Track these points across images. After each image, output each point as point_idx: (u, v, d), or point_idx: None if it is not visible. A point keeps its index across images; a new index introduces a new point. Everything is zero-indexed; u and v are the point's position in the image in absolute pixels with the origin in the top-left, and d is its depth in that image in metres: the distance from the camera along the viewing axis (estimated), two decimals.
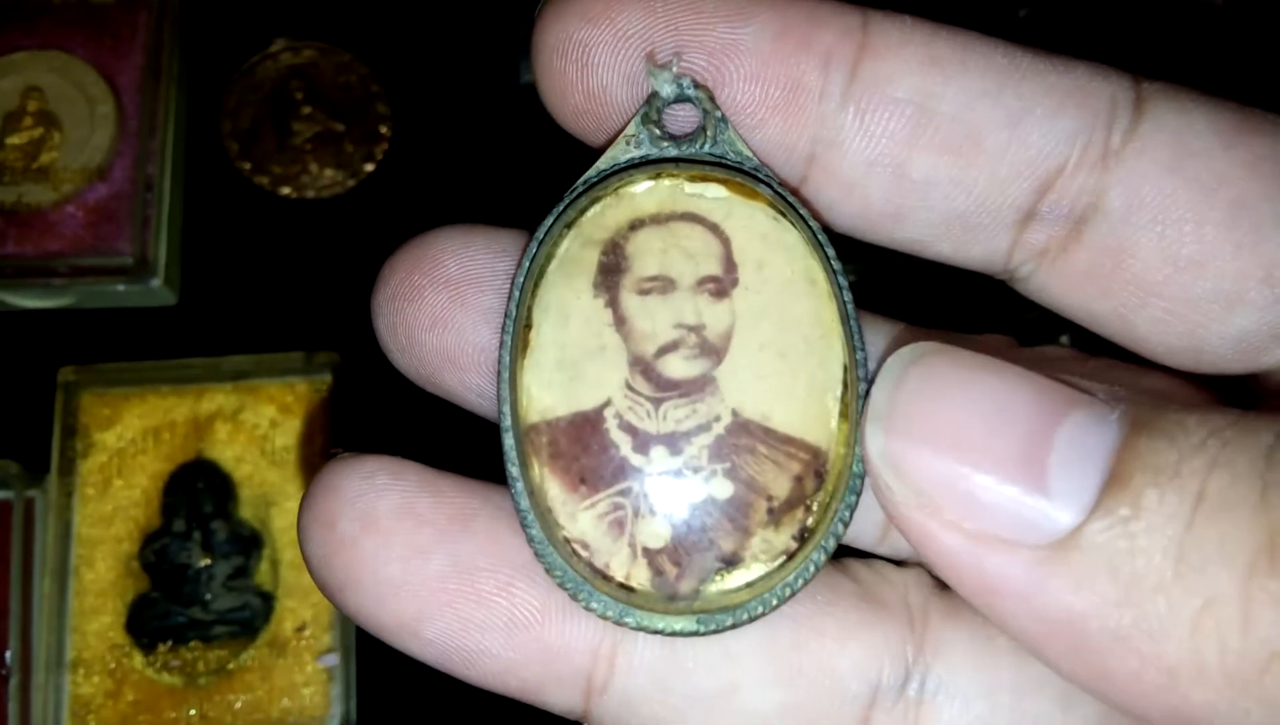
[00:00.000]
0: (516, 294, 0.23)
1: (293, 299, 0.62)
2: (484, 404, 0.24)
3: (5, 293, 0.59)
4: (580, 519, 0.22)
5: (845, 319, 0.23)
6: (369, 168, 0.65)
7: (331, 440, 0.57)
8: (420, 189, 0.65)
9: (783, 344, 0.22)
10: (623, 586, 0.22)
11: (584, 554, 0.22)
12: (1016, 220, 0.23)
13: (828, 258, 0.23)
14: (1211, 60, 0.60)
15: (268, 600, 0.54)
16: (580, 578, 0.22)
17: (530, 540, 0.23)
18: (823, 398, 0.22)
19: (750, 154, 0.23)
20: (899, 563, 0.25)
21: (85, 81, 0.62)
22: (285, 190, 0.64)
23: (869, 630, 0.23)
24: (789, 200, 0.23)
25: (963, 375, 0.20)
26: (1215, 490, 0.17)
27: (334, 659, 0.53)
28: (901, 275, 0.63)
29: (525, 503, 0.23)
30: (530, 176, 0.65)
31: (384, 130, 0.65)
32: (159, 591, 0.54)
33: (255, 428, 0.56)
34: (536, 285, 0.23)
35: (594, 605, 0.22)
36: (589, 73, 0.23)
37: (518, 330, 0.23)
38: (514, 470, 0.23)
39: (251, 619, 0.54)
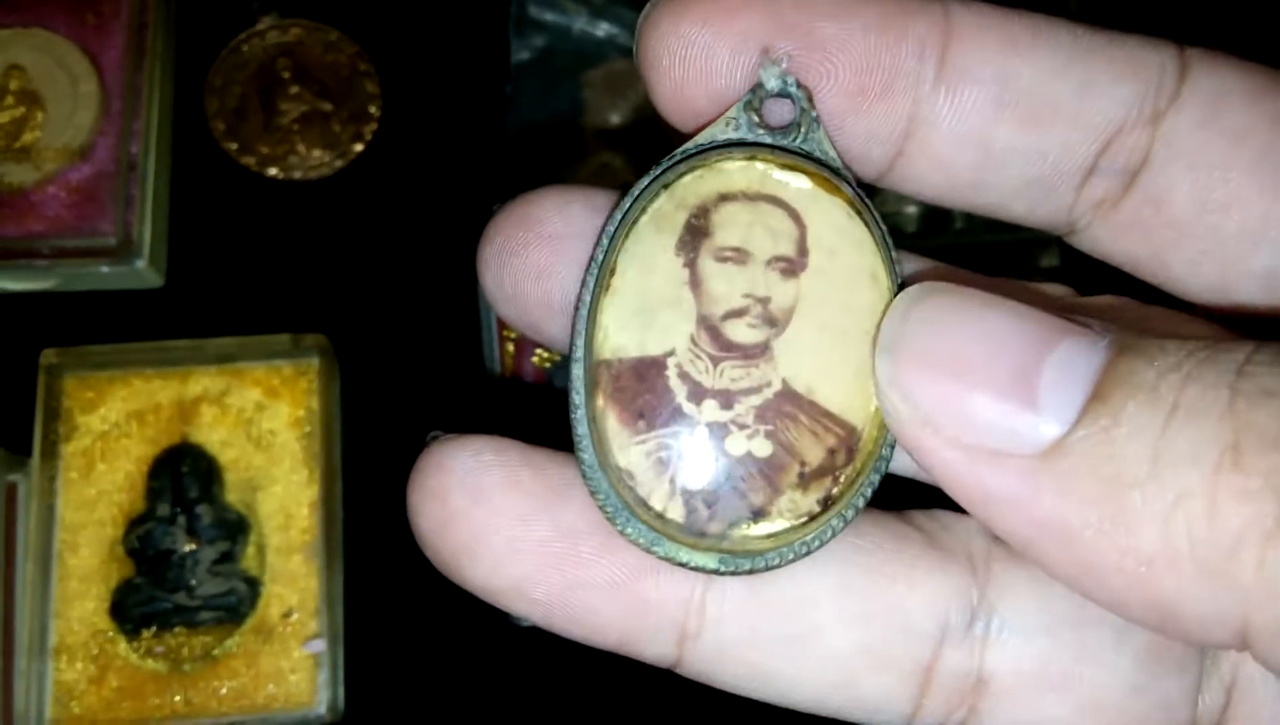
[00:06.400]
0: (606, 242, 0.25)
1: (280, 281, 0.61)
2: None
3: None
4: (631, 452, 0.24)
5: None
6: (358, 148, 0.64)
7: (319, 425, 0.56)
8: (410, 170, 0.64)
9: (839, 328, 0.24)
10: (660, 516, 0.24)
11: (629, 483, 0.24)
12: (1081, 179, 0.25)
13: (891, 259, 0.25)
14: (1221, 24, 0.59)
15: (254, 586, 0.53)
16: (621, 503, 0.24)
17: (581, 463, 0.25)
18: (867, 384, 0.24)
19: (835, 155, 0.25)
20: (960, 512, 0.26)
21: (68, 60, 0.61)
22: (272, 171, 0.63)
23: (935, 575, 0.25)
24: (865, 201, 0.25)
25: (964, 308, 0.22)
26: (1187, 400, 0.19)
27: (320, 645, 0.52)
28: (919, 246, 0.62)
29: (583, 428, 0.25)
30: (521, 155, 0.65)
31: (373, 110, 0.64)
32: (143, 577, 0.53)
33: (241, 411, 0.56)
34: (627, 236, 0.25)
35: (629, 530, 0.24)
36: (714, 77, 0.24)
37: (604, 273, 0.25)
38: (577, 398, 0.25)
39: (237, 605, 0.53)
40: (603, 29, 0.66)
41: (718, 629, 0.25)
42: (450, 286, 0.60)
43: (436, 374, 0.60)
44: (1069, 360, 0.20)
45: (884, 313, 0.24)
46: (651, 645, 0.25)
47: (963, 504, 0.22)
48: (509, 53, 0.66)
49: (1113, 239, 0.25)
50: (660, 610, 0.25)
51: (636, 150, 0.65)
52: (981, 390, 0.21)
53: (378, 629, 0.55)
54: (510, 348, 0.60)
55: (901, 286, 0.24)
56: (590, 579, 0.25)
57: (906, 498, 0.26)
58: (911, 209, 0.63)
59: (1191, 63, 0.24)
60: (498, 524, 0.25)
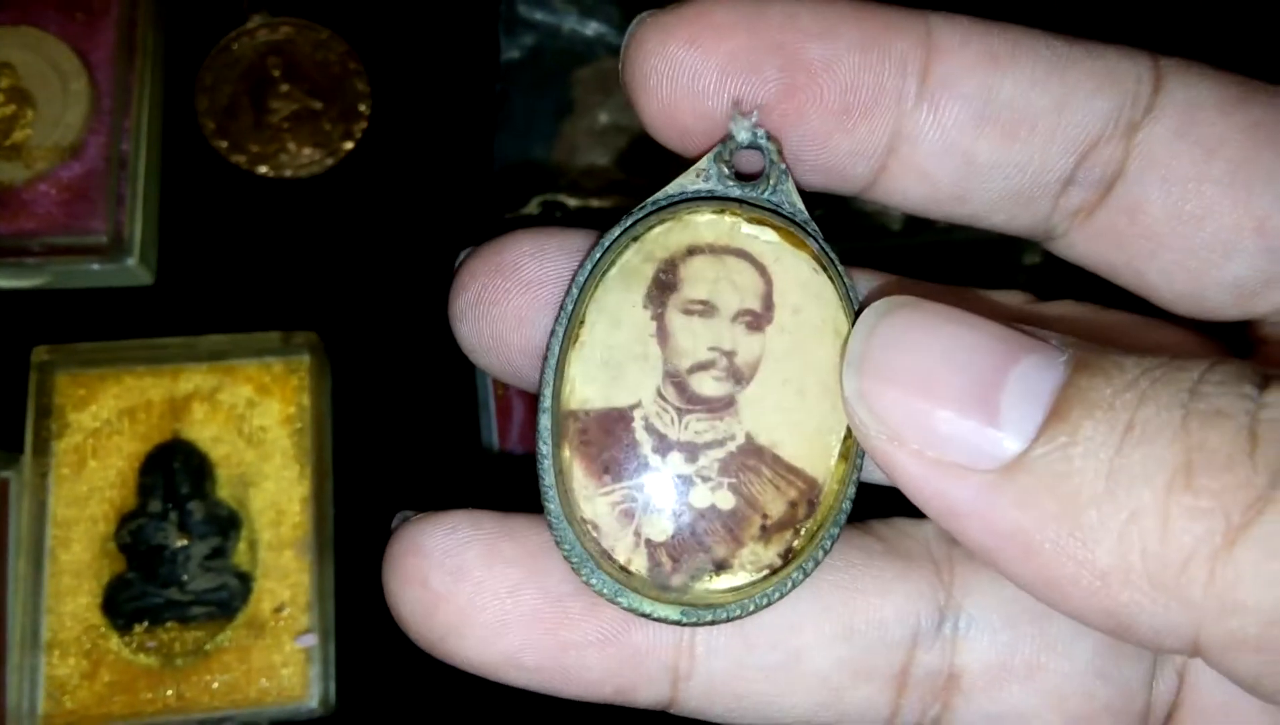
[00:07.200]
0: (575, 292, 0.25)
1: (270, 279, 0.62)
2: None
3: None
4: (596, 503, 0.24)
5: None
6: (348, 146, 0.64)
7: (310, 421, 0.56)
8: (400, 168, 0.64)
9: (802, 384, 0.24)
10: (623, 569, 0.24)
11: (594, 534, 0.24)
12: (1059, 190, 0.25)
13: (854, 312, 0.25)
14: (1189, 27, 0.60)
15: (245, 581, 0.54)
16: (586, 554, 0.25)
17: (547, 513, 0.25)
18: (827, 438, 0.25)
19: (802, 207, 0.25)
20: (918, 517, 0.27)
21: (58, 58, 0.61)
22: (263, 169, 0.64)
23: (903, 582, 0.26)
24: (830, 256, 0.25)
25: (928, 323, 0.22)
26: (1142, 419, 0.20)
27: (312, 639, 0.53)
28: (903, 245, 0.63)
29: (550, 479, 0.25)
30: (511, 155, 0.65)
31: (363, 108, 0.65)
32: (135, 572, 0.53)
33: (232, 408, 0.56)
34: (596, 287, 0.25)
35: (593, 581, 0.25)
36: (702, 98, 0.24)
37: (572, 324, 0.25)
38: (544, 448, 0.25)
39: (229, 599, 0.53)
40: (592, 28, 0.67)
41: (708, 666, 0.26)
42: (440, 283, 0.60)
43: (426, 371, 0.61)
44: (1030, 376, 0.21)
45: (850, 327, 0.24)
46: (647, 691, 0.26)
47: (928, 514, 0.22)
48: (499, 51, 0.66)
49: (1088, 246, 0.26)
50: (652, 656, 0.25)
51: (626, 149, 0.65)
52: (945, 406, 0.21)
53: (369, 623, 0.56)
54: None
55: (863, 306, 0.24)
56: (582, 637, 0.25)
57: (867, 504, 0.27)
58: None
59: (1166, 73, 0.24)
60: (484, 601, 0.25)
